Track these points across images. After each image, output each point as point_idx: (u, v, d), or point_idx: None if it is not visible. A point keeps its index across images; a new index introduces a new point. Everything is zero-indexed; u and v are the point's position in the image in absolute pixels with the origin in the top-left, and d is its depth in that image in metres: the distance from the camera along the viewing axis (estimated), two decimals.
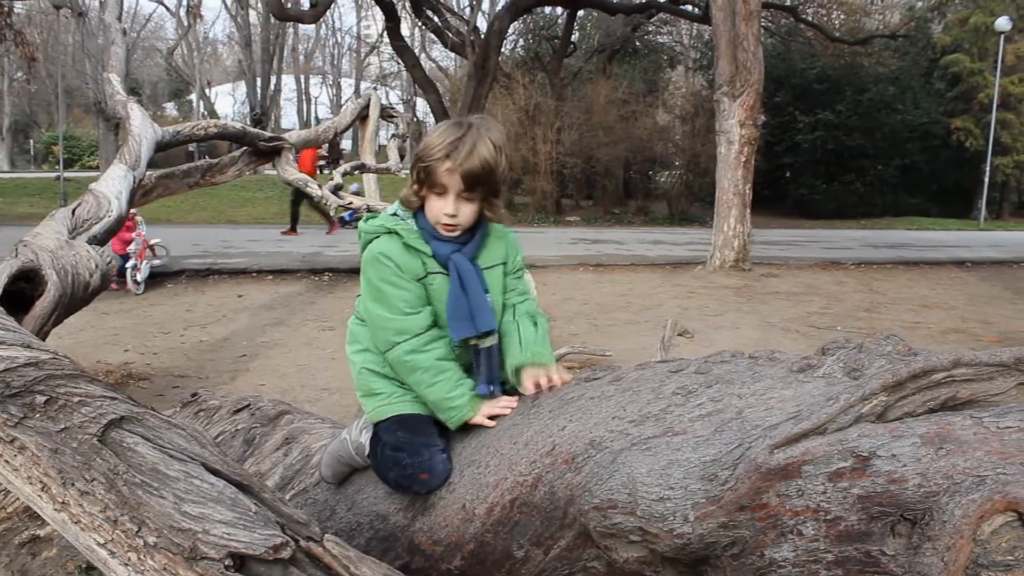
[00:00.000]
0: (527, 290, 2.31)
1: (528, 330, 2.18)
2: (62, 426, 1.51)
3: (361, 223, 2.17)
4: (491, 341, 2.14)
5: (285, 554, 1.46)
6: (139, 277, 10.93)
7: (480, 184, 2.05)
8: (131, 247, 10.84)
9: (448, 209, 2.06)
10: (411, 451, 2.06)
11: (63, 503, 1.49)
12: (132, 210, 10.57)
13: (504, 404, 2.09)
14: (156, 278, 11.47)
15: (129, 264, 10.72)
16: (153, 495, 1.47)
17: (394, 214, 2.15)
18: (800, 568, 1.46)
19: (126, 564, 1.45)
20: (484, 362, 2.13)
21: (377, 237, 2.12)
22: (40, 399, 1.52)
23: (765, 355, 1.81)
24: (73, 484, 1.48)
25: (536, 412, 1.97)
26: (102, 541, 1.47)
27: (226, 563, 1.42)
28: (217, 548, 1.42)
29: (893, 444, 1.42)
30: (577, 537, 1.75)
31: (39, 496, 1.51)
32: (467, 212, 2.09)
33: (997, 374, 1.54)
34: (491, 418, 2.09)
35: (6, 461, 1.51)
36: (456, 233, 2.11)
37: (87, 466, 1.48)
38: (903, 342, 1.62)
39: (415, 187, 2.09)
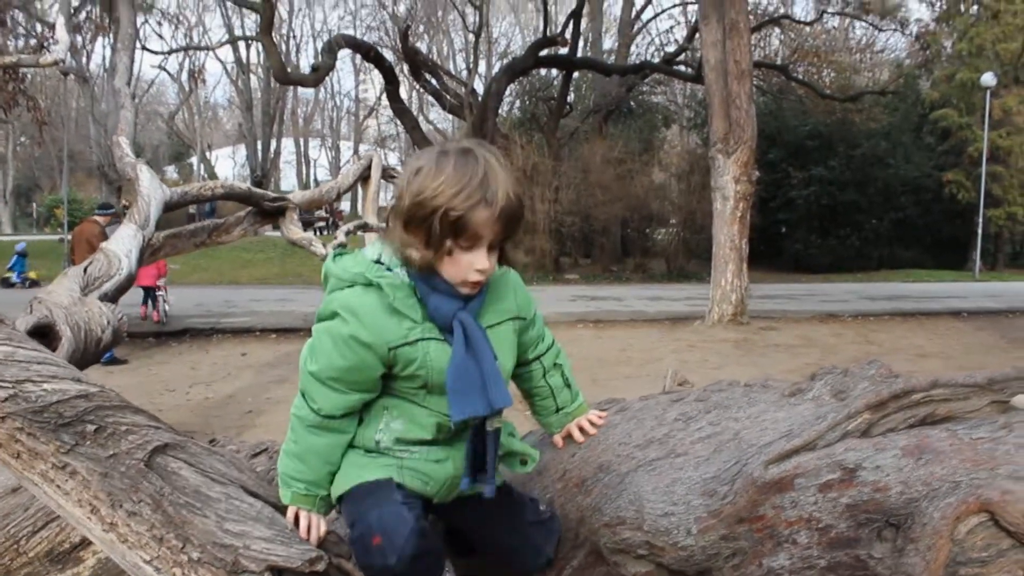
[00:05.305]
0: (545, 332, 2.03)
1: (561, 391, 2.03)
2: (111, 452, 1.64)
3: (329, 262, 1.79)
4: (499, 423, 1.82)
5: (320, 566, 1.58)
6: (167, 308, 12.82)
7: (517, 226, 1.72)
8: (159, 280, 12.56)
9: (483, 263, 1.69)
10: (360, 517, 1.70)
11: (111, 524, 1.60)
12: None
13: None
14: (160, 337, 11.61)
15: (160, 294, 12.68)
16: (197, 514, 1.59)
17: (378, 260, 1.75)
18: (796, 575, 1.58)
19: None
20: (489, 448, 1.80)
21: (350, 287, 1.73)
22: (90, 428, 1.65)
23: (759, 383, 1.94)
24: (121, 506, 1.59)
25: (546, 441, 2.09)
26: (148, 558, 1.58)
27: None
28: (257, 562, 1.54)
29: (877, 456, 1.55)
30: (588, 556, 1.87)
31: (88, 518, 1.62)
32: (494, 261, 1.74)
33: (972, 394, 1.68)
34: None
35: (58, 486, 1.63)
36: (478, 289, 1.76)
37: (135, 488, 1.60)
38: (885, 366, 1.76)
39: (427, 242, 1.66)
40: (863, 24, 28.10)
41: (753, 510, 1.61)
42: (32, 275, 19.19)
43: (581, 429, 2.04)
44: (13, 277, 18.92)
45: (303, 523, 1.73)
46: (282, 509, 1.75)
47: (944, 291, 21.18)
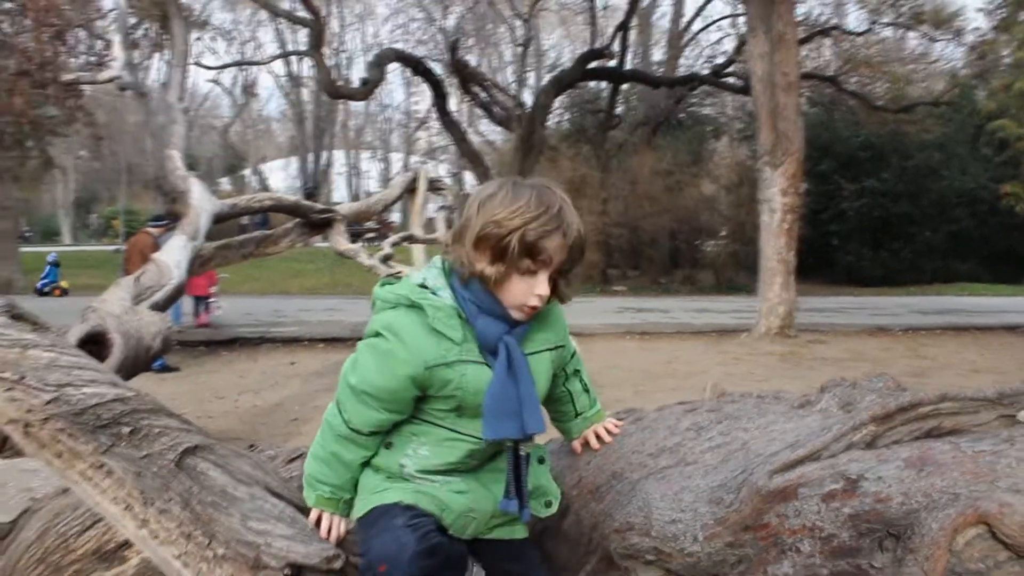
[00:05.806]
0: (575, 352, 2.09)
1: (580, 395, 2.07)
2: (144, 453, 1.73)
3: (377, 288, 1.86)
4: (530, 448, 1.87)
5: (338, 564, 1.66)
6: (220, 313, 13.96)
7: (579, 261, 1.82)
8: (212, 288, 13.39)
9: (544, 289, 1.76)
10: (367, 546, 1.72)
11: (144, 520, 1.70)
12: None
13: None
14: (211, 346, 11.86)
15: (212, 300, 13.54)
16: (222, 513, 1.68)
17: (422, 285, 1.81)
18: None
19: (198, 573, 1.65)
20: (523, 471, 1.84)
21: (393, 308, 1.80)
22: (126, 430, 1.74)
23: (771, 395, 1.98)
24: (153, 503, 1.69)
25: (564, 449, 2.15)
26: (177, 553, 1.67)
27: (285, 572, 1.62)
28: (278, 559, 1.63)
29: (879, 467, 1.58)
30: (600, 561, 1.92)
31: (123, 515, 1.72)
32: (549, 291, 1.80)
33: (982, 408, 1.70)
34: None
35: (95, 484, 1.73)
36: (530, 316, 1.82)
37: (166, 488, 1.70)
38: (893, 380, 1.79)
39: (498, 260, 1.74)
40: (917, 34, 27.61)
41: (758, 518, 1.64)
42: (64, 284, 19.55)
43: (598, 436, 2.09)
44: (39, 285, 19.30)
45: (324, 524, 1.81)
46: (305, 510, 1.83)
47: (1000, 305, 20.74)
